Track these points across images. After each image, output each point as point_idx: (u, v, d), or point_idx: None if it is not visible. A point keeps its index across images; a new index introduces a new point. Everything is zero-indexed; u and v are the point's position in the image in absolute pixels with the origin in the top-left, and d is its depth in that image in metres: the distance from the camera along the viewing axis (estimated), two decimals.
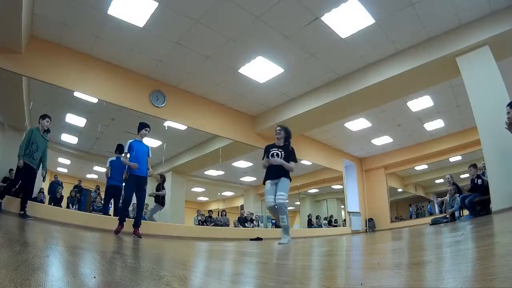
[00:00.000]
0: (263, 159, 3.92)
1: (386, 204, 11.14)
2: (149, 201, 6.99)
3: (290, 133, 4.05)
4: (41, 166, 4.50)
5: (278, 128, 4.02)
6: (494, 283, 0.60)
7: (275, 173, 3.77)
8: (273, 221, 10.54)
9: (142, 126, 4.63)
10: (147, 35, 5.08)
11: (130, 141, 4.52)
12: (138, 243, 3.10)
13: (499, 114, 3.94)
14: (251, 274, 1.17)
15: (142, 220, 4.55)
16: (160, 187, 6.83)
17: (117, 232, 4.31)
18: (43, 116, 4.49)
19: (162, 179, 6.93)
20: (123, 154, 4.51)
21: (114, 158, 5.42)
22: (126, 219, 4.45)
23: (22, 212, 4.16)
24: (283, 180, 3.73)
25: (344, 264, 1.55)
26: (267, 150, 3.91)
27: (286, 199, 3.69)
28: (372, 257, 1.69)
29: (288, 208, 3.73)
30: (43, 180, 4.85)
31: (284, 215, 3.64)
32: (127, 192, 4.40)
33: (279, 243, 3.48)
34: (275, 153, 3.82)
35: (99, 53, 5.61)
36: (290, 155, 3.81)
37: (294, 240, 4.08)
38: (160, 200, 6.72)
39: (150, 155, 4.64)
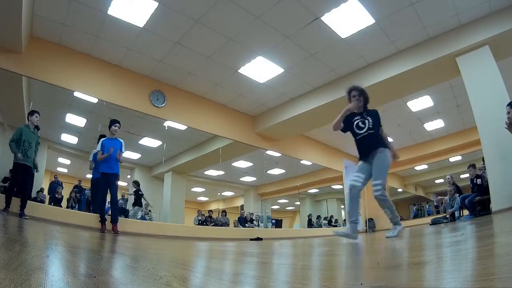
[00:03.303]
0: (339, 123, 3.06)
1: None
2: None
3: (368, 96, 3.18)
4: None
5: (356, 91, 3.11)
6: (494, 283, 0.60)
7: (368, 148, 2.96)
8: (273, 221, 10.51)
9: (112, 123, 4.66)
10: (147, 35, 5.08)
11: (102, 139, 4.58)
12: (138, 243, 3.10)
13: (499, 114, 3.94)
14: (251, 274, 1.17)
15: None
16: (137, 192, 7.00)
17: (103, 231, 4.38)
18: (32, 112, 4.49)
19: (137, 184, 7.13)
20: (97, 150, 4.56)
21: (97, 150, 5.43)
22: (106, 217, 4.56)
23: (20, 212, 4.17)
24: (380, 156, 2.89)
25: (344, 264, 1.55)
26: (349, 119, 3.09)
27: (383, 187, 2.90)
28: (372, 257, 1.69)
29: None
30: (36, 170, 4.79)
31: (386, 208, 2.95)
32: (101, 191, 4.50)
33: (387, 236, 2.94)
34: (360, 122, 3.02)
35: (99, 53, 5.61)
36: (379, 121, 3.04)
37: (296, 241, 4.04)
38: (139, 202, 6.97)
39: (124, 150, 4.66)
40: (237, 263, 1.63)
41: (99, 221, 4.52)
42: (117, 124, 4.65)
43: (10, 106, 5.80)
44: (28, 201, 4.36)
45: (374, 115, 3.08)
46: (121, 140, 4.68)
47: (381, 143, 2.98)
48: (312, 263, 1.60)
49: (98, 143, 5.03)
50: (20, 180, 4.24)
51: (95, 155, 5.42)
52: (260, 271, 1.29)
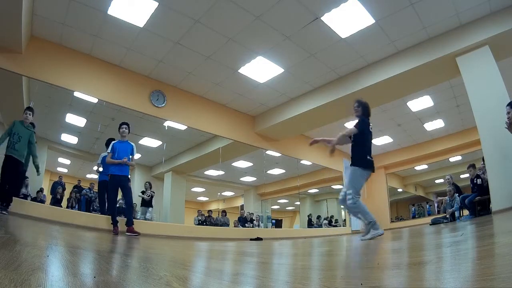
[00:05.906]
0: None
1: (386, 204, 11.13)
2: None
3: (367, 109, 3.64)
4: (31, 159, 4.47)
5: (356, 104, 3.63)
6: (494, 283, 0.60)
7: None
8: (273, 221, 10.54)
9: (120, 125, 4.69)
10: (147, 35, 5.08)
11: (113, 142, 4.60)
12: (138, 243, 3.10)
13: (499, 114, 3.94)
14: (251, 274, 1.17)
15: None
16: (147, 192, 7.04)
17: (115, 233, 4.38)
18: (24, 110, 4.43)
19: (149, 185, 7.15)
20: (107, 153, 4.56)
21: (106, 153, 5.41)
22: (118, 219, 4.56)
23: (4, 205, 3.95)
24: (350, 170, 3.35)
25: (344, 264, 1.55)
26: None
27: (354, 196, 3.22)
28: (372, 257, 1.69)
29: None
30: (38, 173, 4.69)
31: (357, 215, 3.31)
32: (111, 193, 4.51)
33: (361, 239, 3.24)
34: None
35: (99, 53, 5.61)
36: (361, 129, 3.46)
37: (296, 241, 4.04)
38: (146, 203, 7.01)
39: (135, 153, 4.66)
40: (237, 263, 1.63)
41: (111, 223, 4.53)
42: (125, 126, 4.66)
43: (10, 106, 5.79)
44: (13, 197, 4.15)
45: (357, 123, 3.46)
46: (132, 143, 4.68)
47: (353, 160, 3.37)
48: (312, 263, 1.60)
49: (106, 145, 5.03)
50: (7, 172, 4.07)
51: (103, 158, 5.43)
52: (260, 271, 1.29)
